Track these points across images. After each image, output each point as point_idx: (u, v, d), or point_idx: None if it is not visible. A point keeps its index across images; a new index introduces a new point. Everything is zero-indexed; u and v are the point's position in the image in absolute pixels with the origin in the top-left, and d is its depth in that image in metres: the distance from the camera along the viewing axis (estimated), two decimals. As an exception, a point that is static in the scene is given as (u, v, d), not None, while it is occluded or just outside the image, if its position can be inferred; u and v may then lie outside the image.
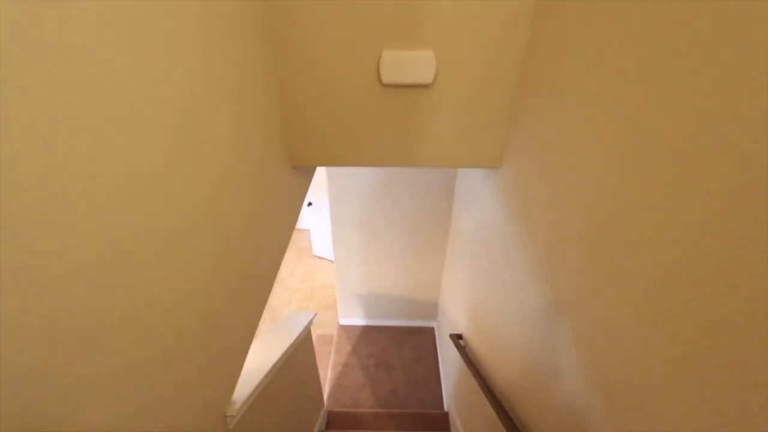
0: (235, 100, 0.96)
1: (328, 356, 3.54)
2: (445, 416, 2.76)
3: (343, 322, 3.67)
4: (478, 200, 2.00)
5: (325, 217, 4.51)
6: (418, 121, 1.47)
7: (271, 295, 4.45)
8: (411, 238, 3.02)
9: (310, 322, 2.35)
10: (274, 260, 1.48)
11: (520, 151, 1.37)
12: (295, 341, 2.18)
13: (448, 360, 2.95)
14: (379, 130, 1.48)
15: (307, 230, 5.45)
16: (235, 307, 1.08)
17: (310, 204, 4.55)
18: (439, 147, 1.51)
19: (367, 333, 3.60)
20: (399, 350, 3.42)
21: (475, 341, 2.13)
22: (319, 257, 5.02)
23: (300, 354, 2.28)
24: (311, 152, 1.54)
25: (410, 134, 1.50)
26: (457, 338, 2.43)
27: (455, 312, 2.68)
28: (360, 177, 2.74)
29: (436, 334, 3.55)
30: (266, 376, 1.75)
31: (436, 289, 3.36)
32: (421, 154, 1.54)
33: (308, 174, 1.92)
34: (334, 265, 3.33)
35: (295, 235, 5.41)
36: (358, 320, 3.65)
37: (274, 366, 1.85)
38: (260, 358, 1.97)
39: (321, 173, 3.02)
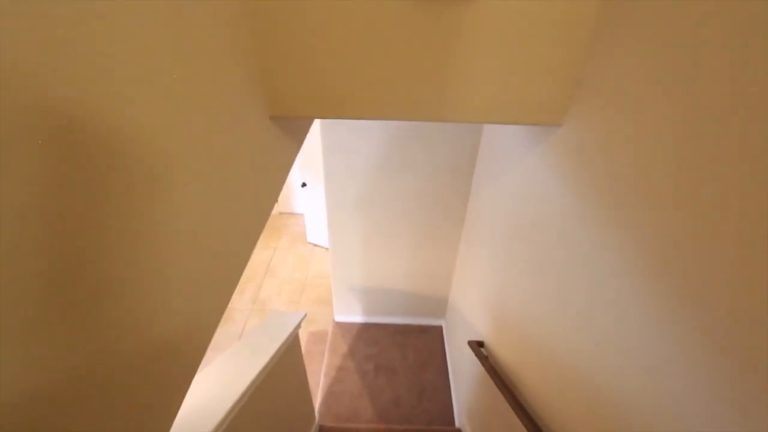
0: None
1: (321, 357, 3.11)
2: (457, 434, 2.34)
3: (339, 318, 3.23)
4: (517, 171, 1.53)
5: (321, 199, 4.03)
6: (447, 54, 1.00)
7: (260, 286, 4.02)
8: (418, 223, 2.56)
9: (298, 326, 1.90)
10: (246, 236, 1.02)
11: (603, 103, 0.90)
12: (278, 350, 1.73)
13: (461, 366, 2.52)
14: (388, 65, 1.01)
15: (301, 214, 4.98)
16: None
17: (304, 185, 4.08)
18: (475, 93, 1.05)
19: (365, 331, 3.16)
20: (402, 352, 2.99)
21: (503, 351, 1.69)
22: (314, 244, 4.56)
23: (285, 365, 1.84)
24: (298, 97, 1.07)
25: (434, 73, 1.03)
26: (477, 346, 1.98)
27: (473, 312, 2.24)
28: (360, 150, 2.26)
29: (445, 334, 3.12)
30: (242, 396, 1.32)
31: (446, 283, 2.92)
32: (447, 102, 1.07)
33: (294, 134, 1.45)
34: (329, 254, 2.87)
35: (288, 220, 4.95)
36: (356, 317, 3.21)
37: (252, 383, 1.41)
38: (237, 373, 1.53)
39: (316, 148, 2.54)
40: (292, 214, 5.05)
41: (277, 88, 1.07)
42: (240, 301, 3.83)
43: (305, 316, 1.96)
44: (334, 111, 1.10)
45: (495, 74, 1.02)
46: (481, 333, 2.03)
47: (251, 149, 1.03)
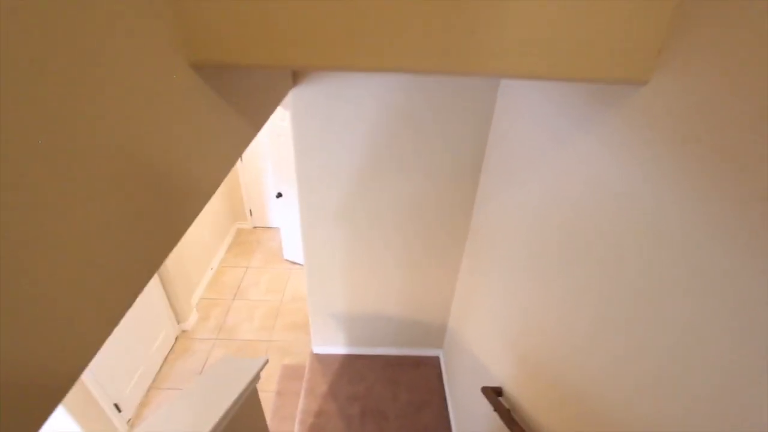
0: None
1: (296, 399, 2.59)
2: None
3: (319, 349, 2.73)
4: (554, 162, 1.12)
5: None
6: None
7: (227, 311, 3.48)
8: (412, 236, 2.12)
9: (256, 377, 1.41)
10: (161, 225, 0.57)
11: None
12: (228, 412, 1.25)
13: (466, 407, 2.06)
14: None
15: (277, 228, 4.48)
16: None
17: (279, 195, 3.60)
18: (518, 31, 0.64)
19: (349, 365, 2.67)
20: (393, 390, 2.51)
21: (534, 405, 1.25)
22: (292, 262, 4.07)
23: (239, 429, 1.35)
24: (232, 32, 0.64)
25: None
26: (494, 394, 1.54)
27: (483, 348, 1.79)
28: (340, 147, 1.83)
29: (444, 366, 2.66)
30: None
31: (444, 307, 2.47)
32: (472, 43, 0.66)
33: (244, 104, 1.01)
34: (305, 275, 2.39)
35: (262, 235, 4.44)
36: (338, 347, 2.72)
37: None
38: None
39: (291, 151, 2.07)
40: (267, 228, 4.55)
41: (199, 18, 0.63)
42: (202, 328, 3.29)
43: (266, 362, 1.48)
44: (286, 55, 0.67)
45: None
46: (498, 377, 1.59)
47: (155, 102, 0.58)
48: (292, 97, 1.71)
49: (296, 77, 1.66)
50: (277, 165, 3.49)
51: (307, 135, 1.81)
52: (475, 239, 1.98)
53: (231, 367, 1.39)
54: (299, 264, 4.01)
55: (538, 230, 1.24)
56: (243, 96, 1.00)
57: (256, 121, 1.14)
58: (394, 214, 2.03)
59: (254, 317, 3.42)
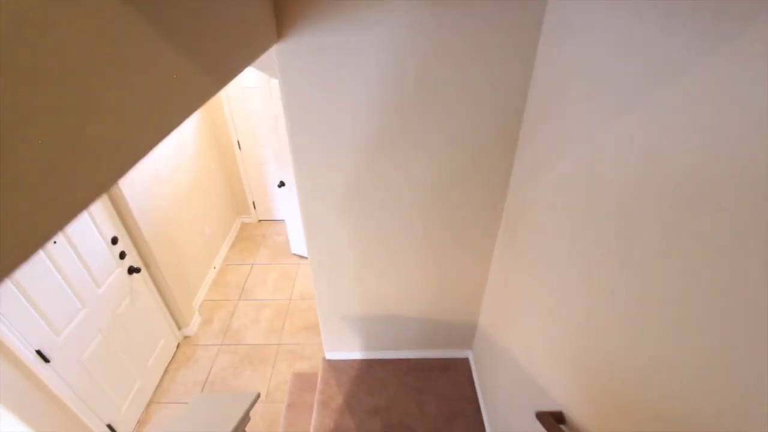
0: None
1: (309, 412, 2.30)
2: None
3: (332, 356, 2.43)
4: (672, 85, 0.74)
5: (303, 201, 3.24)
6: None
7: (232, 313, 3.19)
8: (433, 221, 1.77)
9: (245, 419, 1.09)
10: None
11: None
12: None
13: (504, 416, 1.73)
14: None
15: (282, 221, 4.18)
16: None
17: (281, 184, 3.28)
18: None
19: (367, 372, 2.36)
20: (418, 400, 2.19)
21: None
22: (300, 256, 3.76)
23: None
24: None
25: None
26: (553, 420, 1.20)
27: (533, 360, 1.44)
28: (343, 118, 1.47)
29: (475, 370, 2.33)
30: None
31: (473, 302, 2.13)
32: None
33: (202, 56, 0.65)
34: (311, 272, 2.07)
35: (267, 229, 4.14)
36: (353, 352, 2.41)
37: None
38: None
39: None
40: (272, 221, 4.24)
41: None
42: (205, 333, 3.02)
43: (258, 397, 1.15)
44: None
45: None
46: (556, 398, 1.24)
47: None
48: (278, 54, 1.35)
49: (281, 28, 1.30)
50: (277, 151, 3.15)
51: (301, 103, 1.45)
52: (511, 225, 1.61)
53: (214, 407, 1.07)
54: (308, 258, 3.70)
55: (621, 208, 0.87)
56: (197, 32, 0.66)
57: (218, 70, 0.80)
58: (412, 197, 1.67)
59: (261, 319, 3.14)
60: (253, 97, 3.38)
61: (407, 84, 1.38)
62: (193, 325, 3.01)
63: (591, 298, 1.02)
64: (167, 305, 2.77)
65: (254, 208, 4.12)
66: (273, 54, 1.38)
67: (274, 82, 2.71)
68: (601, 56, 0.94)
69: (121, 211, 2.29)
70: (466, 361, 2.41)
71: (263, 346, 2.92)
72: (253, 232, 4.10)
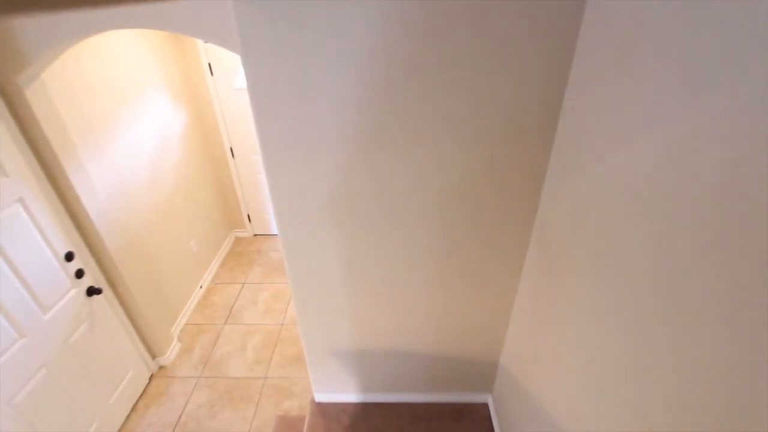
0: None
1: (293, 469, 1.89)
2: None
3: (321, 397, 2.02)
4: None
5: (298, 213, 2.90)
6: None
7: (216, 339, 2.77)
8: (441, 236, 1.38)
9: None
10: None
11: None
12: None
13: None
14: None
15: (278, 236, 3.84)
16: None
17: (274, 194, 2.93)
18: None
19: (363, 419, 1.94)
20: (426, 458, 1.76)
21: None
22: (296, 275, 3.39)
23: None
24: None
25: None
26: None
27: (578, 411, 1.02)
28: (325, 100, 1.12)
29: (496, 419, 1.89)
30: None
31: (494, 338, 1.72)
32: None
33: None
34: (293, 300, 1.69)
35: (263, 244, 3.80)
36: (347, 394, 2.00)
37: None
38: None
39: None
40: (269, 235, 3.90)
41: None
42: (183, 363, 2.64)
43: None
44: None
45: None
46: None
47: None
48: (237, 14, 1.02)
49: (238, -26, 0.97)
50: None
51: (272, 81, 1.11)
52: (546, 238, 1.22)
53: None
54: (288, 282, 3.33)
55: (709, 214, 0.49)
56: None
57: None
58: (417, 204, 1.30)
59: (248, 346, 2.76)
60: (247, 100, 3.09)
61: (412, 56, 1.03)
62: (171, 353, 2.65)
63: (688, 346, 0.62)
64: (138, 331, 2.42)
65: (249, 221, 3.80)
66: (232, 18, 1.05)
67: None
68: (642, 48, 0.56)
69: (80, 223, 1.97)
70: (484, 407, 1.97)
71: (247, 380, 2.52)
72: (247, 247, 3.76)
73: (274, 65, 1.07)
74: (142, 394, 2.44)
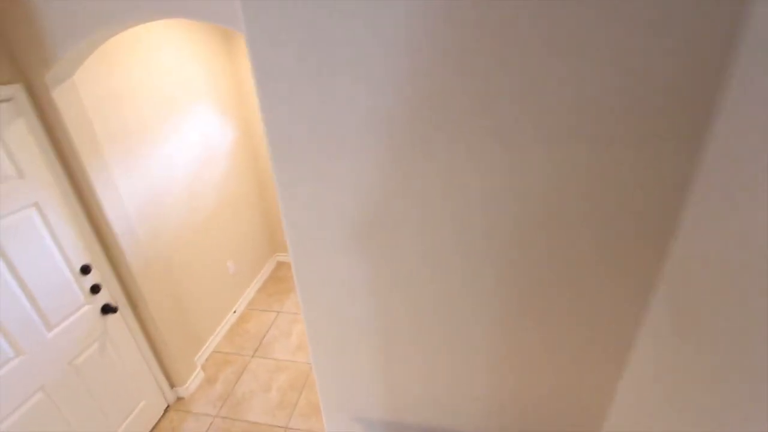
0: None
1: None
2: None
3: (342, 470, 1.60)
4: None
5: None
6: None
7: (240, 372, 2.48)
8: (514, 270, 0.94)
9: None
10: None
11: None
12: None
13: None
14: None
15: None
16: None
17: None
18: None
19: None
20: None
21: None
22: (335, 307, 3.06)
23: None
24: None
25: None
26: None
27: None
28: (346, 90, 0.79)
29: None
30: None
31: (590, 416, 1.20)
32: None
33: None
34: (309, 349, 1.34)
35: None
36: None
37: None
38: None
39: None
40: (312, 261, 3.65)
41: None
42: (203, 397, 2.38)
43: None
44: None
45: None
46: None
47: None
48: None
49: None
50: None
51: (279, 62, 0.81)
52: (685, 291, 0.75)
53: None
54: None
55: None
56: None
57: None
58: (478, 231, 0.90)
59: (273, 386, 2.44)
60: (296, 117, 2.95)
61: (482, 19, 0.67)
62: (191, 383, 2.41)
63: None
64: (157, 356, 2.22)
65: (293, 245, 3.59)
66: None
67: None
68: None
69: (101, 235, 1.83)
70: None
71: (266, 428, 2.18)
72: (288, 272, 3.53)
73: (280, 54, 0.78)
74: (153, 429, 2.20)
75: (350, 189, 0.91)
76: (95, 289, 1.81)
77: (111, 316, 1.91)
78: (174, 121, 2.29)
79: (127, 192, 1.96)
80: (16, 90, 1.46)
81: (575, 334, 0.99)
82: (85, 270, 1.76)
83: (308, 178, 0.94)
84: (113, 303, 1.91)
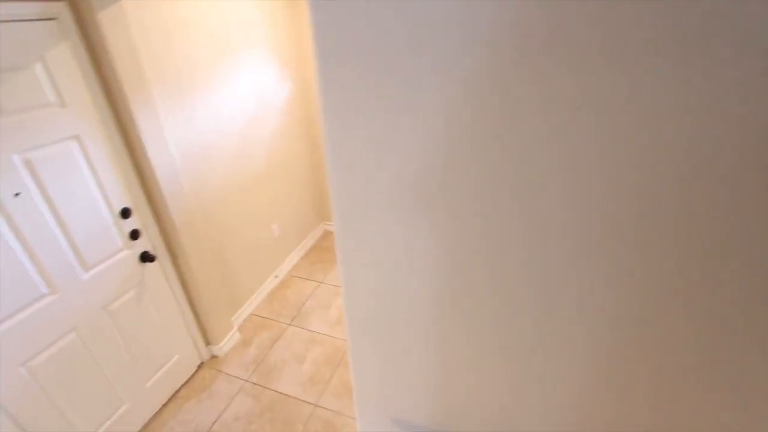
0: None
1: None
2: None
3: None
4: None
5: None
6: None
7: (275, 340, 2.37)
8: (649, 265, 0.63)
9: None
10: None
11: None
12: None
13: None
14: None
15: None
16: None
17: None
18: None
19: None
20: None
21: None
22: (378, 285, 2.86)
23: None
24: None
25: None
26: None
27: None
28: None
29: None
30: None
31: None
32: None
33: None
34: (346, 335, 1.13)
35: (349, 242, 3.36)
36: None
37: None
38: None
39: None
40: (358, 234, 3.47)
41: None
42: (236, 358, 2.31)
43: None
44: None
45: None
46: None
47: None
48: None
49: None
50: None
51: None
52: None
53: None
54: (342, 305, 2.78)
55: None
56: None
57: None
58: (595, 195, 0.60)
59: (307, 358, 2.30)
60: (356, 75, 2.70)
61: None
62: (226, 343, 2.35)
63: None
64: (194, 312, 2.15)
65: (340, 215, 3.42)
66: None
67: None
68: None
69: (143, 178, 1.74)
70: None
71: (296, 402, 2.06)
72: (334, 243, 3.38)
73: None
74: (185, 383, 2.17)
75: (421, 130, 0.64)
76: (134, 234, 1.73)
77: (149, 265, 1.83)
78: (226, 68, 2.14)
79: (172, 137, 1.85)
80: (61, 8, 1.34)
81: (748, 364, 0.66)
82: (125, 213, 1.68)
83: (366, 109, 0.68)
84: (152, 251, 1.83)
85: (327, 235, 3.50)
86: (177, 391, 2.12)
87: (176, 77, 1.83)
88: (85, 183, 1.51)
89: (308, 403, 2.05)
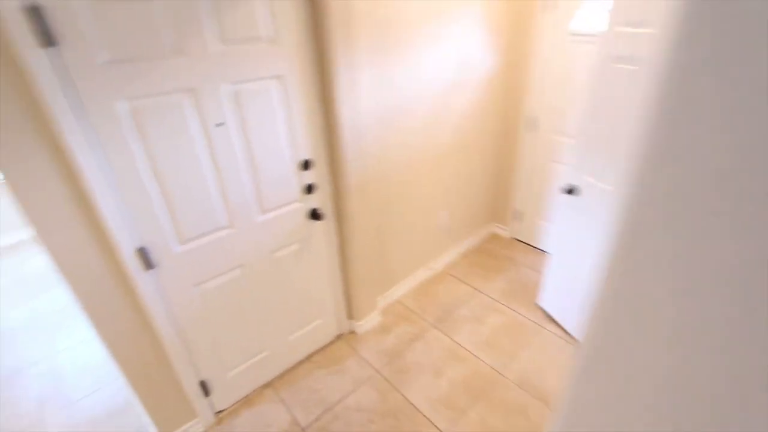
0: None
1: None
2: None
3: None
4: None
5: (592, 229, 1.79)
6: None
7: (415, 338, 2.07)
8: None
9: None
10: None
11: None
12: None
13: None
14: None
15: (544, 254, 2.76)
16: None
17: (570, 191, 1.91)
18: None
19: None
20: None
21: None
22: (549, 317, 2.29)
23: None
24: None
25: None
26: None
27: None
28: None
29: None
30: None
31: None
32: None
33: None
34: (576, 351, 0.73)
35: (519, 253, 2.84)
36: None
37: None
38: None
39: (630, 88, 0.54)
40: (530, 247, 2.90)
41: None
42: (372, 341, 2.15)
43: None
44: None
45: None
46: None
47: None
48: None
49: None
50: (594, 140, 1.80)
51: None
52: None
53: None
54: (561, 327, 2.18)
55: None
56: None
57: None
58: None
59: (445, 374, 1.97)
60: (578, 54, 2.13)
61: None
62: (367, 322, 2.21)
63: None
64: (345, 281, 2.06)
65: (516, 219, 2.91)
66: None
67: (622, 30, 1.35)
68: None
69: (330, 133, 1.65)
70: None
71: (423, 420, 1.75)
72: (501, 249, 2.91)
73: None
74: (320, 350, 2.12)
75: None
76: (310, 189, 1.68)
77: (316, 223, 1.78)
78: (435, 27, 1.89)
79: (366, 97, 1.71)
80: (294, -61, 1.28)
81: None
82: (306, 165, 1.62)
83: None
84: (321, 210, 1.76)
85: (494, 238, 3.04)
86: (311, 355, 2.08)
87: (384, 32, 1.67)
88: (277, 127, 1.48)
89: (436, 428, 1.72)
